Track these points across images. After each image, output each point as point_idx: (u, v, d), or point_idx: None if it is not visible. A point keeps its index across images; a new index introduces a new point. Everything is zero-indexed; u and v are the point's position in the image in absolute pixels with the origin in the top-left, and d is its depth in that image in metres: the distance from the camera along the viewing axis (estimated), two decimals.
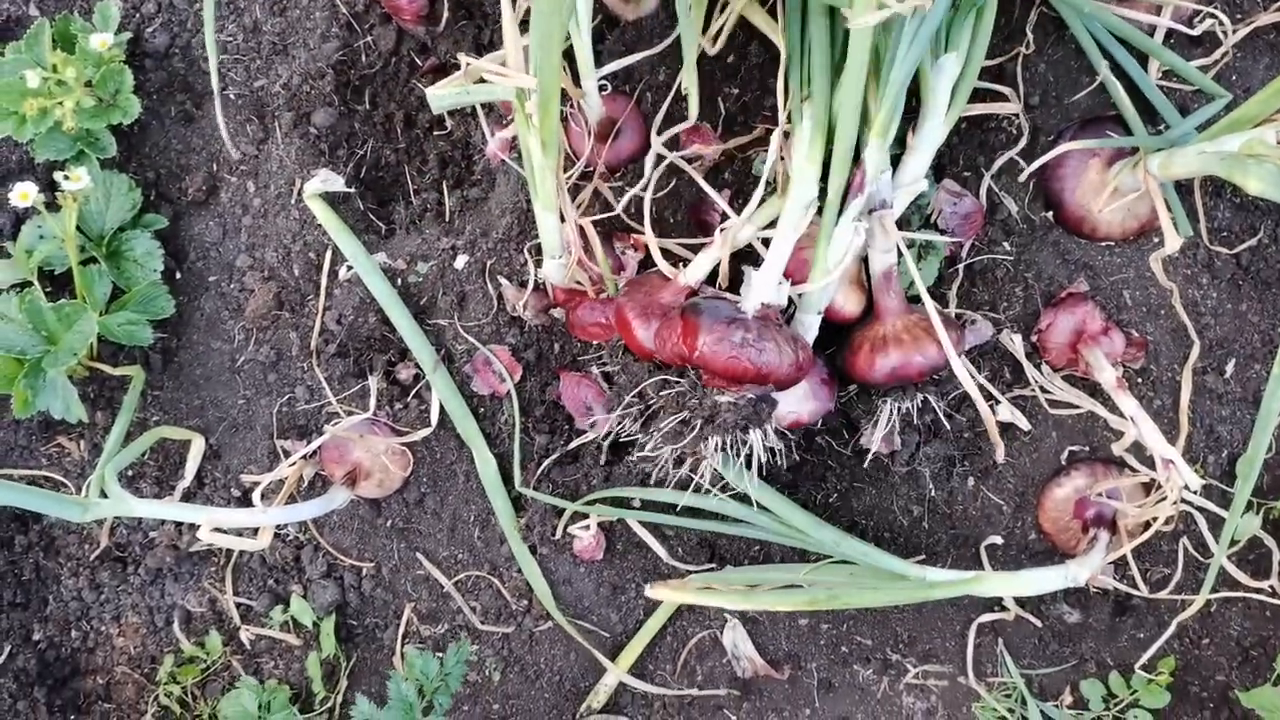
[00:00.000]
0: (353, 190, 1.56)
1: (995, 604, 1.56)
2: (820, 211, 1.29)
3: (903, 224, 1.45)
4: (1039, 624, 1.55)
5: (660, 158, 1.42)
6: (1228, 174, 1.14)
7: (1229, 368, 1.48)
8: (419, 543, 1.60)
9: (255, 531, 1.44)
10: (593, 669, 1.61)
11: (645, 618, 1.60)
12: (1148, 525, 1.45)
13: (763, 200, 1.33)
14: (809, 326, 1.36)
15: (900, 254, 1.35)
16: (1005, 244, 1.50)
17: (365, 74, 1.57)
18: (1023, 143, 1.47)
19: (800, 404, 1.39)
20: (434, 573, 1.59)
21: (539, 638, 1.61)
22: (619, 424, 1.41)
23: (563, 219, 1.39)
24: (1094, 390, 1.47)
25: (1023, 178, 1.46)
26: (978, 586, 1.38)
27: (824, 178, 1.27)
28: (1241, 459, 1.47)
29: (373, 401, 1.50)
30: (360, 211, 1.57)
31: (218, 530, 1.36)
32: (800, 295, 1.35)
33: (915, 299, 1.40)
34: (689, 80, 1.35)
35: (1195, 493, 1.41)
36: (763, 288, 1.28)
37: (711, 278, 1.38)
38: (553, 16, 1.17)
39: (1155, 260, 1.39)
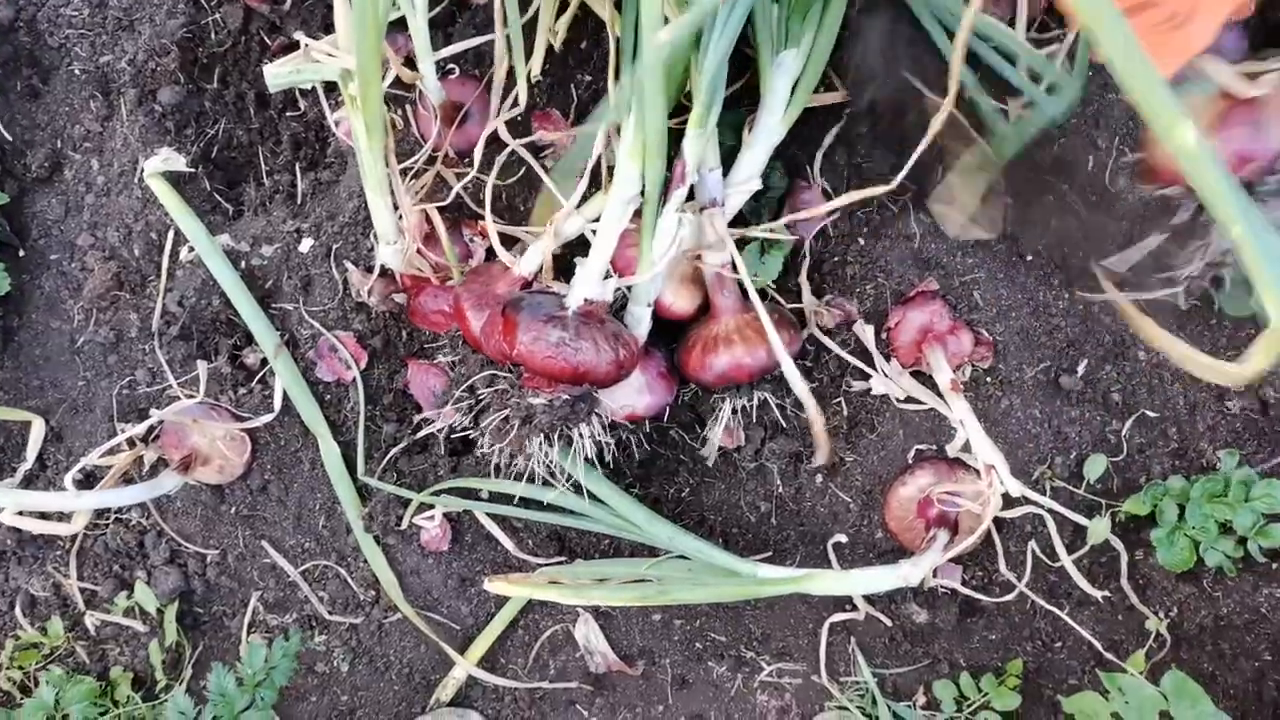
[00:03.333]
0: (197, 170, 1.53)
1: (846, 602, 1.54)
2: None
3: (747, 219, 1.43)
4: (889, 623, 1.54)
5: (497, 142, 1.39)
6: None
7: (1080, 368, 1.46)
8: (264, 530, 1.57)
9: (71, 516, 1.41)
10: (443, 661, 1.59)
11: (496, 610, 1.58)
12: (990, 528, 1.44)
13: (587, 192, 1.31)
14: (640, 319, 1.34)
15: (734, 255, 1.32)
16: (860, 240, 1.47)
17: (214, 52, 1.54)
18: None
19: (635, 397, 1.37)
20: (280, 561, 1.57)
21: (388, 629, 1.59)
22: (452, 418, 1.39)
23: (396, 205, 1.37)
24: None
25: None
26: (808, 584, 1.36)
27: None
28: None
29: (202, 386, 1.48)
30: (207, 192, 1.54)
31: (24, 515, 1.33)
32: (631, 287, 1.33)
33: (762, 293, 1.38)
34: (518, 65, 1.32)
35: (1022, 499, 1.39)
36: (586, 283, 1.26)
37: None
38: None
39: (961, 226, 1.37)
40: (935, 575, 1.49)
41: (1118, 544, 1.47)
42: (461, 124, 1.46)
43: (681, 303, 1.36)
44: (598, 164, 1.37)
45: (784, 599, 1.55)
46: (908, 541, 1.49)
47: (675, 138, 1.24)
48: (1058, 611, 1.48)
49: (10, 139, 1.55)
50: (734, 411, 1.41)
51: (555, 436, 1.29)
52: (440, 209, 1.43)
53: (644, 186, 1.24)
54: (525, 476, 1.40)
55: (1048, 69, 1.32)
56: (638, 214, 1.27)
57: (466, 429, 1.39)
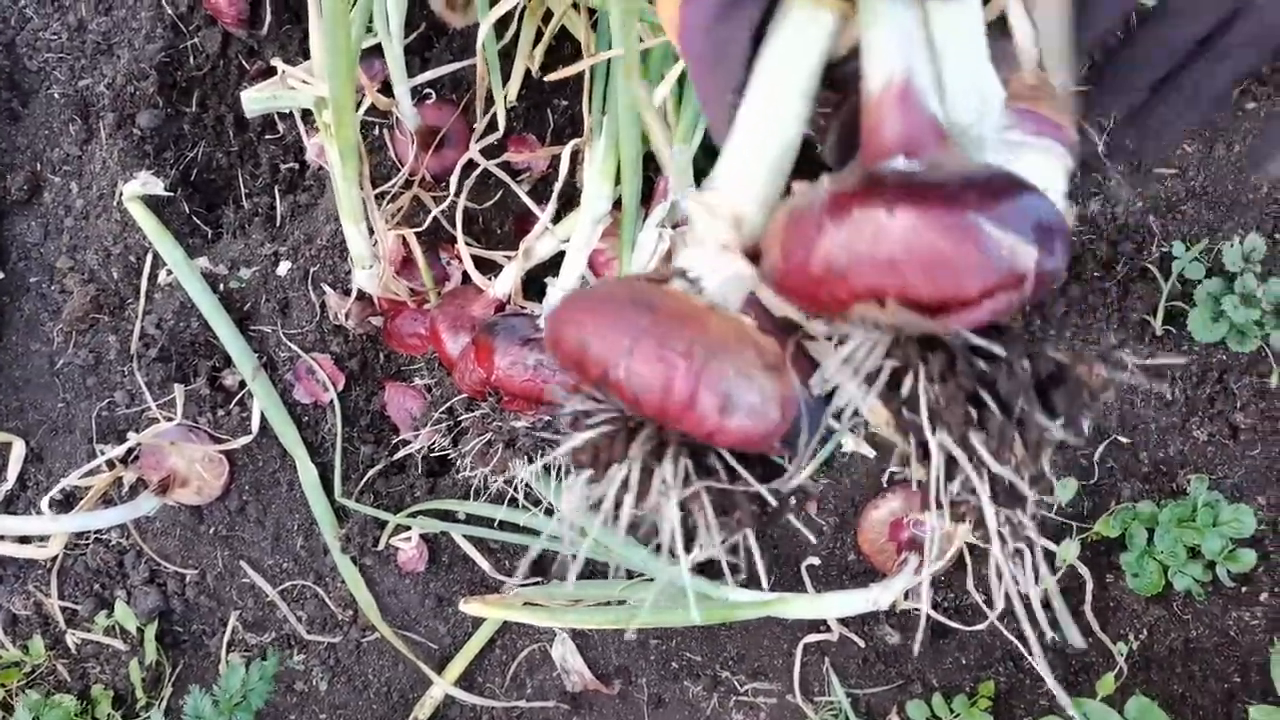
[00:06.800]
0: (176, 193, 1.54)
1: (821, 623, 1.55)
2: (619, 221, 1.28)
3: None
4: (863, 644, 1.55)
5: (472, 166, 1.41)
6: None
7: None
8: (243, 550, 1.58)
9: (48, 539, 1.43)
10: (421, 680, 1.60)
11: (474, 629, 1.59)
12: (963, 551, 1.45)
13: (558, 213, 1.32)
14: None
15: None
16: None
17: (193, 76, 1.55)
18: None
19: None
20: (258, 581, 1.58)
21: (366, 648, 1.60)
22: (432, 441, 1.40)
23: (371, 229, 1.38)
24: None
25: None
26: (780, 608, 1.37)
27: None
28: None
29: (179, 409, 1.49)
30: (186, 215, 1.55)
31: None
32: None
33: None
34: (496, 91, 1.33)
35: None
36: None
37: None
38: (339, 24, 1.16)
39: None
40: (908, 597, 1.50)
41: (1084, 571, 1.48)
42: (439, 148, 1.47)
43: None
44: (572, 185, 1.38)
45: (759, 619, 1.56)
46: (880, 564, 1.50)
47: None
48: (1019, 645, 1.49)
49: None
50: None
51: (539, 458, 1.30)
52: (417, 233, 1.44)
53: (618, 203, 1.25)
54: (502, 498, 1.41)
55: None
56: (611, 231, 1.28)
57: (445, 450, 1.40)
